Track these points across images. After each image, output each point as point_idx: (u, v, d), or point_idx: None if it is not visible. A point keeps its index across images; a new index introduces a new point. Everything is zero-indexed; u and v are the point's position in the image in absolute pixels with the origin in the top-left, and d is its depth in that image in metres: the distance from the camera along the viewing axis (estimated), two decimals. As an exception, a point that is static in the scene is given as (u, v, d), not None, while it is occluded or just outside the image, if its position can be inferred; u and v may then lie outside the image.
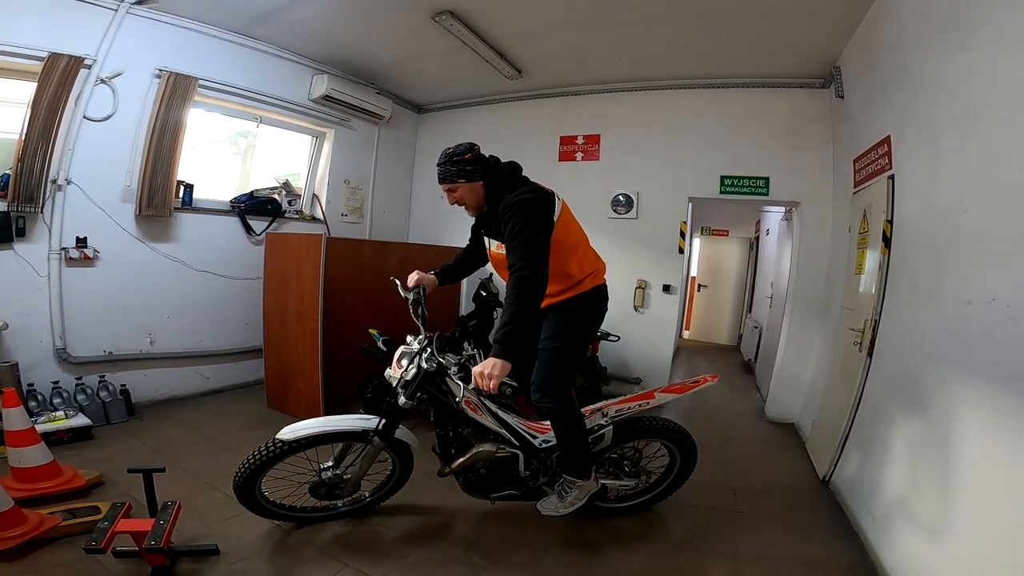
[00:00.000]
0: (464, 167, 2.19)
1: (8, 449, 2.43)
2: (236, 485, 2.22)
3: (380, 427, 2.22)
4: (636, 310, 4.99)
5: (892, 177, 2.96)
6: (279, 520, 2.46)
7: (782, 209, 5.90)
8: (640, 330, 4.91)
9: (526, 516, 2.64)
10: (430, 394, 2.18)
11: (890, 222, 2.93)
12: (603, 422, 2.47)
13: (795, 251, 4.70)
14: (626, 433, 2.52)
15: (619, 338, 4.36)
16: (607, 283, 2.45)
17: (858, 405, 2.95)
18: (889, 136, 3.02)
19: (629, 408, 2.48)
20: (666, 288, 4.91)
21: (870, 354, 2.89)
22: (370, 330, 3.48)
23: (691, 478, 2.79)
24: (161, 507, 2.10)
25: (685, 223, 4.83)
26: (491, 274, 5.04)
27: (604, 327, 4.34)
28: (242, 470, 2.20)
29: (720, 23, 3.73)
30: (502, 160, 2.30)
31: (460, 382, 2.18)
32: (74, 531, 2.17)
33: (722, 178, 4.68)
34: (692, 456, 2.68)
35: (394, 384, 2.17)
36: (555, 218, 2.12)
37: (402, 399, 2.12)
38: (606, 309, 2.42)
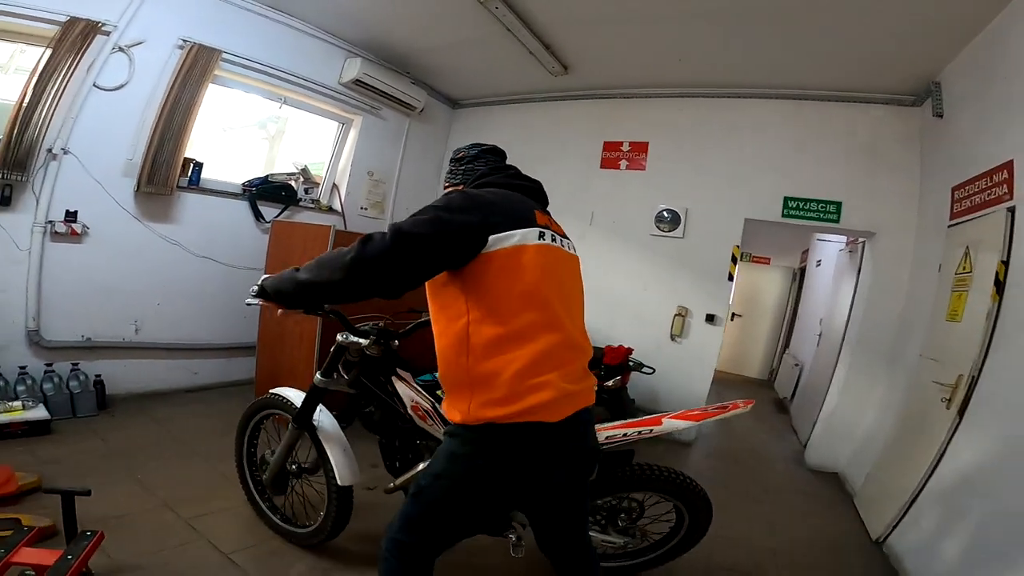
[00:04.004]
0: (449, 169, 1.64)
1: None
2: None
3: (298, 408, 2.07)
4: (673, 339, 4.47)
5: (1012, 209, 2.47)
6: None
7: (842, 239, 5.36)
8: (675, 361, 4.40)
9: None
10: (370, 391, 1.98)
11: (1005, 263, 2.45)
12: None
13: (862, 288, 4.20)
14: (630, 480, 2.00)
15: (654, 371, 3.86)
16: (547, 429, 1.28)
17: (936, 466, 2.59)
18: (1012, 161, 2.51)
19: (625, 435, 1.92)
20: (710, 318, 4.38)
21: (961, 413, 2.50)
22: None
23: (723, 534, 2.44)
24: (78, 536, 1.70)
25: (738, 247, 4.31)
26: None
27: (637, 357, 3.89)
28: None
29: (805, 27, 3.29)
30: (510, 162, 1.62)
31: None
32: None
33: (786, 200, 4.16)
34: (704, 519, 2.12)
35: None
36: (486, 242, 1.25)
37: (317, 376, 2.00)
38: (517, 478, 1.29)
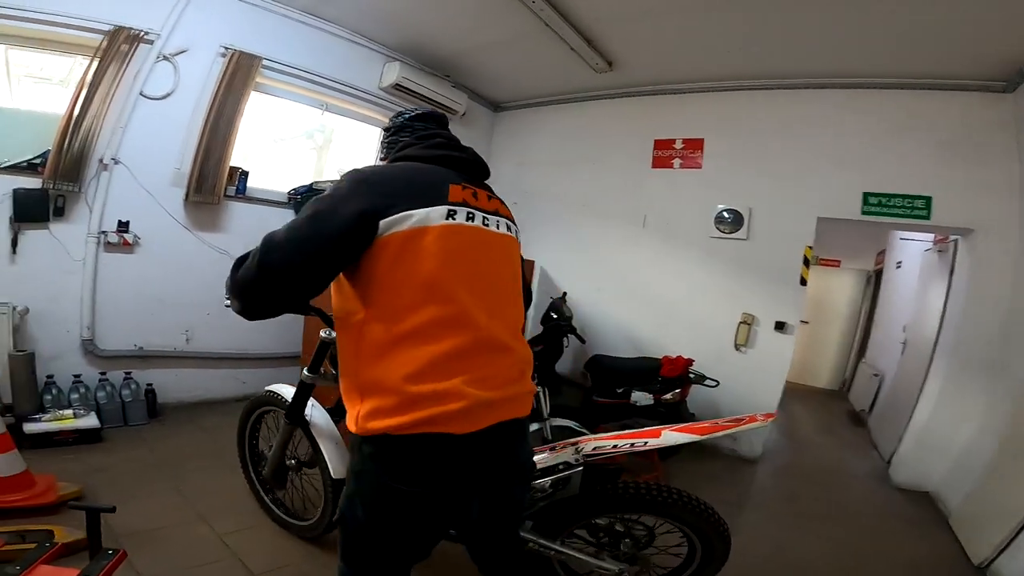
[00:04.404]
0: (382, 141, 1.43)
1: (-25, 456, 2.11)
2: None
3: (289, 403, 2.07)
4: (737, 349, 4.12)
5: None
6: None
7: (927, 238, 4.84)
8: (739, 372, 4.04)
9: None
10: None
11: None
12: (572, 460, 1.77)
13: (956, 291, 3.76)
14: (621, 500, 1.75)
15: (718, 383, 3.55)
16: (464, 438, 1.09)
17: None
18: None
19: (615, 446, 1.74)
20: (779, 326, 4.01)
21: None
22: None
23: (797, 562, 2.32)
24: (99, 554, 1.62)
25: (811, 248, 3.93)
26: (564, 294, 4.40)
27: (698, 369, 3.59)
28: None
29: (878, 11, 2.98)
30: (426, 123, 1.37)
31: None
32: (12, 558, 1.74)
33: (865, 196, 3.76)
34: (719, 553, 1.80)
35: None
36: (376, 228, 1.06)
37: (304, 372, 1.98)
38: (429, 498, 1.11)
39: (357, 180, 1.11)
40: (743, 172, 4.27)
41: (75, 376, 3.13)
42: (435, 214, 1.10)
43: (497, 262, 1.24)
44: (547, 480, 1.78)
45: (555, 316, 3.95)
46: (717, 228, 4.28)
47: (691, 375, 3.53)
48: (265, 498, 2.39)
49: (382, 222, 1.06)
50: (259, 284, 1.06)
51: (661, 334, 4.34)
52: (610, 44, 4.00)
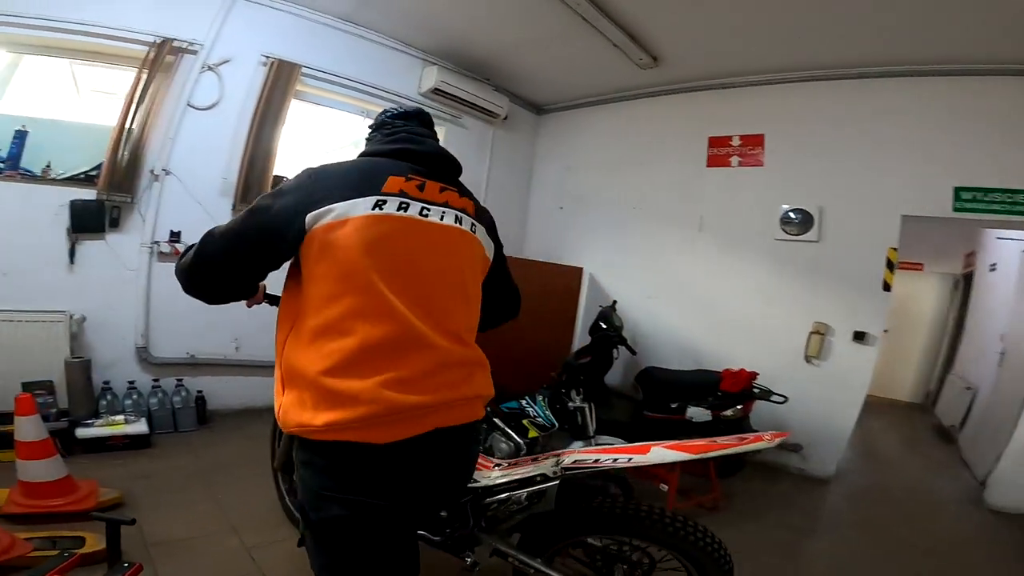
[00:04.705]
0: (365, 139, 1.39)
1: (17, 460, 2.17)
2: None
3: None
4: (808, 361, 3.76)
5: None
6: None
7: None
8: (811, 386, 3.68)
9: None
10: None
11: None
12: (550, 473, 1.58)
13: None
14: (605, 520, 1.57)
15: (786, 399, 3.22)
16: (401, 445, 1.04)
17: None
18: None
19: (596, 461, 1.55)
20: (859, 336, 3.62)
21: None
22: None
23: None
24: (115, 567, 1.58)
25: (895, 250, 3.53)
26: (614, 302, 4.17)
27: (763, 383, 3.28)
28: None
29: None
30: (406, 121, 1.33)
31: None
32: (35, 564, 1.75)
33: (957, 191, 3.35)
34: None
35: None
36: (304, 223, 1.05)
37: None
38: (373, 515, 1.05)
39: (302, 176, 1.13)
40: (811, 169, 3.93)
41: (129, 383, 3.21)
42: (361, 205, 1.07)
43: (438, 254, 1.16)
44: (523, 492, 1.64)
45: (604, 326, 3.73)
46: (783, 230, 3.95)
47: (755, 390, 3.23)
48: (281, 487, 2.37)
49: (308, 216, 1.05)
50: (195, 273, 1.14)
51: (721, 345, 4.05)
52: (655, 38, 3.80)
